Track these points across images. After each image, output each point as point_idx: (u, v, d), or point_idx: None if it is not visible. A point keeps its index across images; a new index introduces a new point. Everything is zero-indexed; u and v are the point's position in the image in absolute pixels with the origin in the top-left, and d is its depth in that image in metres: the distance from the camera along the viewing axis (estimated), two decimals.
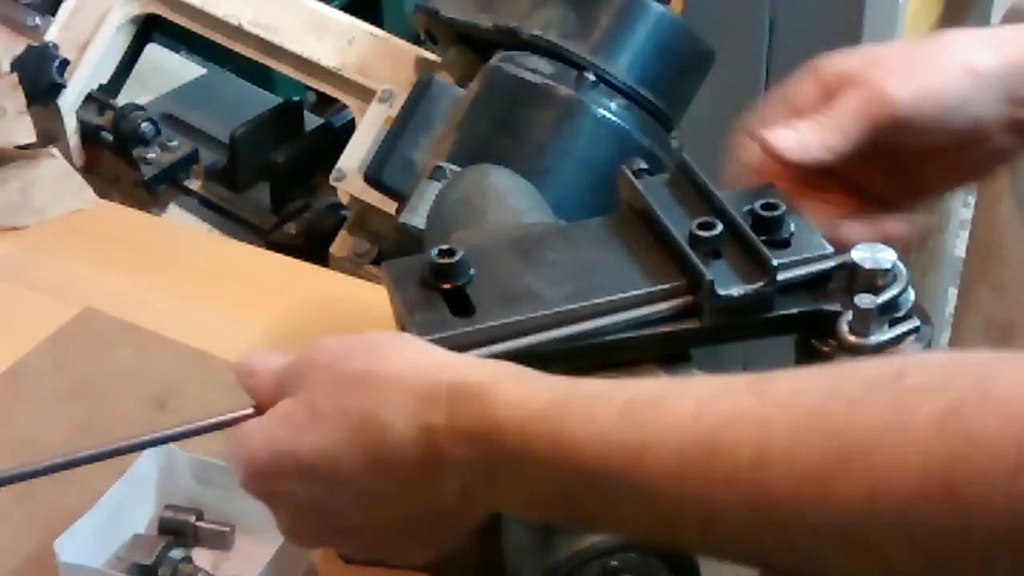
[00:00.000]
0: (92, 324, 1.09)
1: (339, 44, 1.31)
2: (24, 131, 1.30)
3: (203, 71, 1.62)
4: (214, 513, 0.88)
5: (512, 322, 0.65)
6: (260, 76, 1.61)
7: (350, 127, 1.33)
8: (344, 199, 1.28)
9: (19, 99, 1.32)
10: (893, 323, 0.64)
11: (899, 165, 0.73)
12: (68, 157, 1.36)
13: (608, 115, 1.00)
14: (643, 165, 0.73)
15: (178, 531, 0.87)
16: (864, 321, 0.63)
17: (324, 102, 1.52)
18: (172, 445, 0.84)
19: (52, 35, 1.40)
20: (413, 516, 0.59)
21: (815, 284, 0.66)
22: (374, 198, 1.21)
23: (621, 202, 0.73)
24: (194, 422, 0.65)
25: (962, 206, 2.02)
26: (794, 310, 0.66)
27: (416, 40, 1.27)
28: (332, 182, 1.26)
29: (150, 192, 1.39)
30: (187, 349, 1.06)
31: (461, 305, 0.66)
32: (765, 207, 0.68)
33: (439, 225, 0.83)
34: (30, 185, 1.27)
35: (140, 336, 1.08)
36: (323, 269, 1.23)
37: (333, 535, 0.62)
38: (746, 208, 0.68)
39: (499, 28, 1.08)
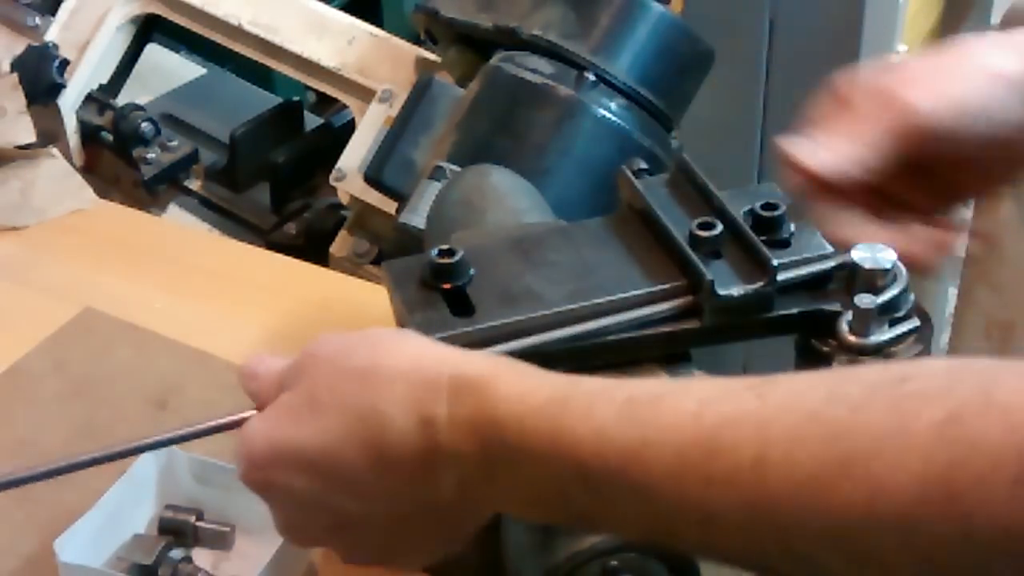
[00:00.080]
0: (92, 324, 1.09)
1: (339, 44, 1.31)
2: (24, 131, 1.30)
3: (203, 71, 1.62)
4: (214, 513, 0.88)
5: (512, 322, 0.65)
6: (260, 76, 1.61)
7: (350, 127, 1.33)
8: (344, 199, 1.28)
9: (19, 99, 1.32)
10: (893, 323, 0.64)
11: (931, 174, 0.73)
12: (68, 157, 1.36)
13: (608, 115, 1.01)
14: (643, 165, 0.73)
15: (178, 531, 0.87)
16: (864, 321, 0.63)
17: (324, 102, 1.52)
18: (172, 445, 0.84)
19: (52, 35, 1.40)
20: (411, 512, 0.59)
21: (815, 284, 0.66)
22: (374, 198, 1.21)
23: (621, 202, 0.73)
24: (194, 424, 0.64)
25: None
26: (794, 310, 0.66)
27: (416, 40, 1.27)
28: (332, 182, 1.26)
29: (150, 192, 1.39)
30: (187, 349, 1.06)
31: (461, 305, 0.66)
32: (765, 207, 0.68)
33: (439, 225, 0.83)
34: (30, 185, 1.26)
35: (140, 336, 1.08)
36: (323, 269, 1.23)
37: (330, 532, 0.62)
38: (746, 208, 0.68)
39: (499, 28, 1.08)
